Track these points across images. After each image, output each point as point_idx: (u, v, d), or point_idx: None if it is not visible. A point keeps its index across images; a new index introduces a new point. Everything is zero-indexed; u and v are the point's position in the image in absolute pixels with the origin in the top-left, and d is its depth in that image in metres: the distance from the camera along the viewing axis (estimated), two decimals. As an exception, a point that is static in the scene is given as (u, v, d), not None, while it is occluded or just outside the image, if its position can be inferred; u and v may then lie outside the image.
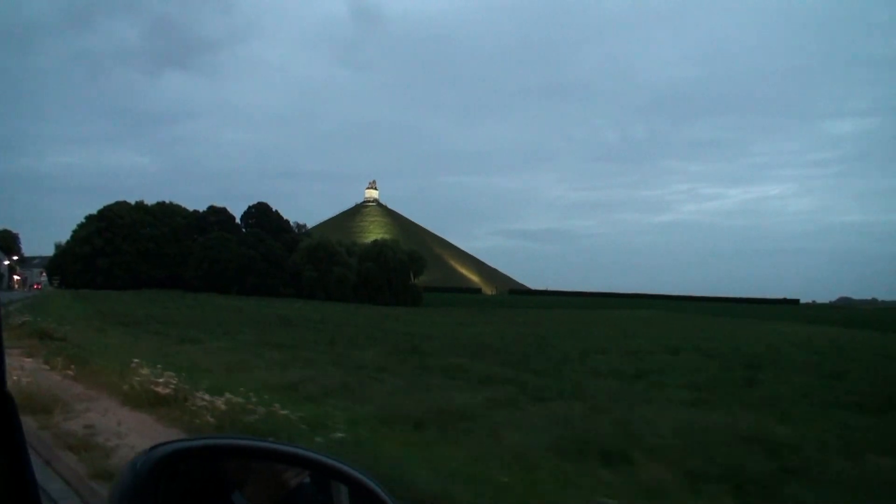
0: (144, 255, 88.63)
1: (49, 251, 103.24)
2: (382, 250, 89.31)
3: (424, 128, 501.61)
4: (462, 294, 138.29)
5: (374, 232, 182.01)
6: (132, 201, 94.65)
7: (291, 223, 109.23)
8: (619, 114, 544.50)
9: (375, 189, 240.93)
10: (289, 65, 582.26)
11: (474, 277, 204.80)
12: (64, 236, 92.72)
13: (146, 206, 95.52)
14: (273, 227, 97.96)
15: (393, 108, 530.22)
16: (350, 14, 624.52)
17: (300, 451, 1.61)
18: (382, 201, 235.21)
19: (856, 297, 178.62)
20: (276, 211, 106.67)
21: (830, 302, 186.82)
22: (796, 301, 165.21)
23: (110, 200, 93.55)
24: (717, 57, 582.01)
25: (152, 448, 1.41)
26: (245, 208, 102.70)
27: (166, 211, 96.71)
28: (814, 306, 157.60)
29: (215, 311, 40.54)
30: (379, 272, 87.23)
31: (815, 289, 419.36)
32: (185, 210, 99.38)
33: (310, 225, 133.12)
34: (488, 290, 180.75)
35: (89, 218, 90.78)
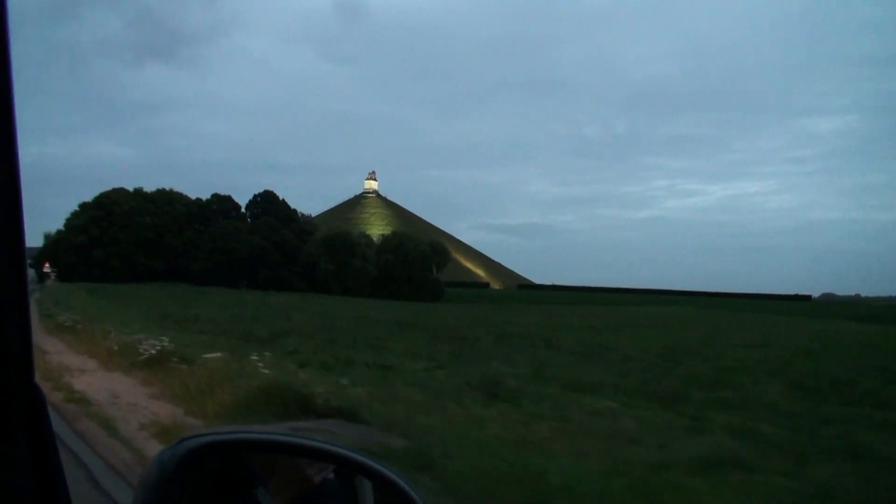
0: (144, 245, 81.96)
1: (32, 242, 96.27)
2: (403, 241, 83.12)
3: (407, 121, 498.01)
4: (473, 289, 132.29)
5: (375, 224, 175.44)
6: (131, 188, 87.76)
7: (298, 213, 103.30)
8: (600, 109, 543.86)
9: (375, 180, 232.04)
10: (272, 58, 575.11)
11: (479, 272, 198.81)
12: (44, 227, 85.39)
13: (145, 193, 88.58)
14: (280, 216, 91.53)
15: (375, 101, 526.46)
16: (334, 7, 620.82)
17: (325, 446, 1.56)
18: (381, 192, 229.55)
19: (839, 292, 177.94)
20: (283, 199, 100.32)
21: (814, 298, 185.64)
22: (808, 297, 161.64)
23: (90, 191, 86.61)
24: (698, 53, 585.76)
25: (179, 441, 1.39)
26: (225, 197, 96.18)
27: (166, 198, 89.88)
28: (828, 302, 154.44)
29: (283, 311, 34.45)
30: (399, 265, 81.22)
31: (797, 285, 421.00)
32: (186, 198, 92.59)
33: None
34: (495, 285, 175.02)
35: (84, 205, 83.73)
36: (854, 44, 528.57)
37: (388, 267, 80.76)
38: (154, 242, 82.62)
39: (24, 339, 1.14)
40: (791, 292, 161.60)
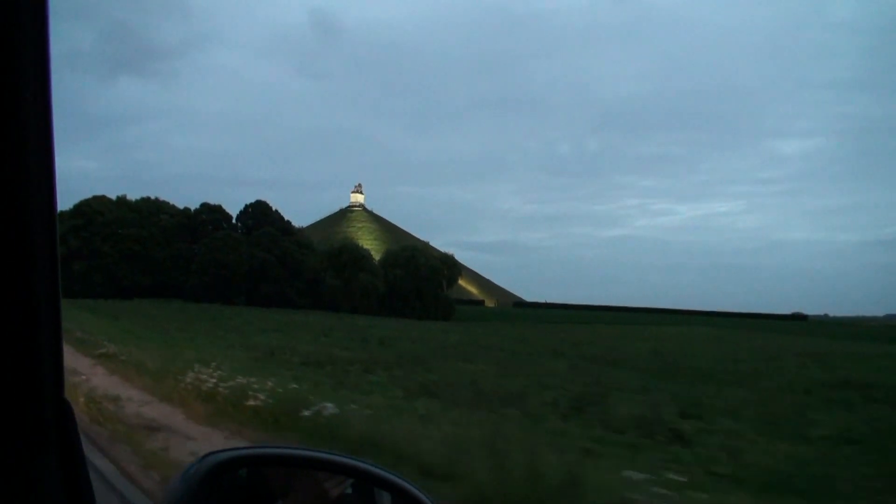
0: (128, 258, 74.91)
1: None
2: (414, 255, 77.20)
3: (381, 137, 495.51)
4: (470, 306, 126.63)
5: (363, 239, 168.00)
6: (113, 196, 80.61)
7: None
8: (572, 127, 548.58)
9: (361, 193, 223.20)
10: (247, 73, 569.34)
11: (472, 288, 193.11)
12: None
13: (129, 201, 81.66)
14: (276, 228, 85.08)
15: (350, 117, 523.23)
16: (310, 23, 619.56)
17: (342, 459, 1.59)
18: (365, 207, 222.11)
19: (807, 311, 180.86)
20: (277, 210, 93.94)
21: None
22: (805, 317, 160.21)
23: (59, 204, 78.81)
24: (668, 74, 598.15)
25: (203, 457, 1.43)
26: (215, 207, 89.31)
27: (152, 208, 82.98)
28: (822, 322, 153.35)
29: (364, 336, 29.64)
30: (409, 280, 75.40)
31: (767, 304, 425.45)
32: (173, 207, 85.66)
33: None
34: (489, 302, 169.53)
35: (61, 214, 75.97)
36: (820, 68, 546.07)
37: (398, 282, 74.90)
38: (140, 255, 75.62)
39: (56, 355, 1.16)
40: (761, 311, 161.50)
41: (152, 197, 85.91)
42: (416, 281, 76.01)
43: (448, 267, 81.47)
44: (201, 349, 15.81)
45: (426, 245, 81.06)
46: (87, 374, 12.08)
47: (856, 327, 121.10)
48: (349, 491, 1.60)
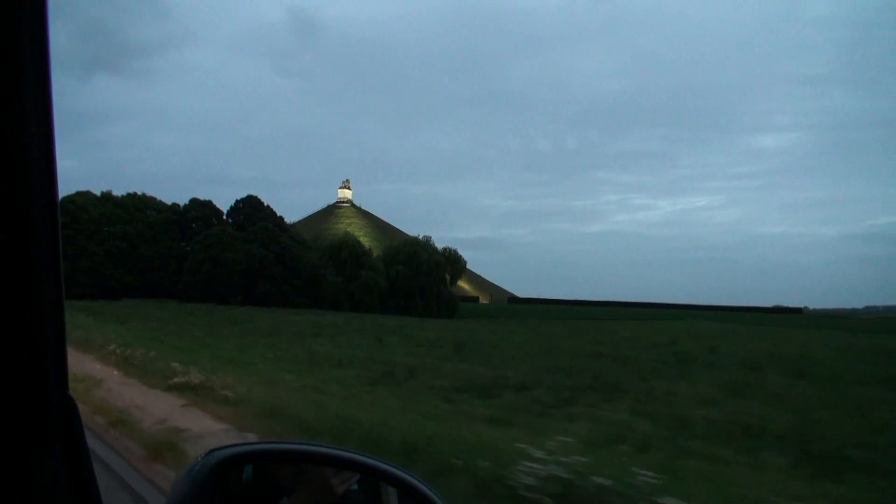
0: (115, 257, 70.92)
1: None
2: (416, 250, 73.97)
3: (359, 135, 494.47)
4: (466, 303, 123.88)
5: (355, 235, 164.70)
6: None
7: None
8: (552, 124, 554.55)
9: (349, 189, 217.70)
10: (225, 71, 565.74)
11: (463, 284, 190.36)
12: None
13: (115, 197, 77.51)
14: (271, 224, 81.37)
15: (330, 115, 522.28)
16: (288, 21, 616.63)
17: (348, 455, 1.57)
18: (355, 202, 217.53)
19: (786, 304, 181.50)
20: (269, 206, 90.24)
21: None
22: (799, 310, 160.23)
23: None
24: (647, 71, 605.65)
25: (208, 453, 1.43)
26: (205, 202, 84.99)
27: (138, 204, 78.93)
28: (820, 315, 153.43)
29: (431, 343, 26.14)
30: (411, 277, 72.28)
31: (747, 297, 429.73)
32: (160, 203, 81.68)
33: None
34: (483, 299, 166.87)
35: (42, 211, 72.07)
36: (797, 63, 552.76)
37: (400, 279, 71.73)
38: (127, 254, 71.66)
39: (60, 352, 1.17)
40: (742, 304, 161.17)
41: (138, 193, 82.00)
42: (418, 277, 72.97)
43: (451, 262, 78.53)
44: (286, 368, 12.66)
45: (427, 240, 77.88)
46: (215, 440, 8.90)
47: (850, 320, 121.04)
48: (355, 487, 1.58)
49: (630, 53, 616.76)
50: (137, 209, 77.65)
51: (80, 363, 12.68)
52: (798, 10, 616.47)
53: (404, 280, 72.19)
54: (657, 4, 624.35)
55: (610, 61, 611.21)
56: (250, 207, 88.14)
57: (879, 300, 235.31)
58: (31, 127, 1.02)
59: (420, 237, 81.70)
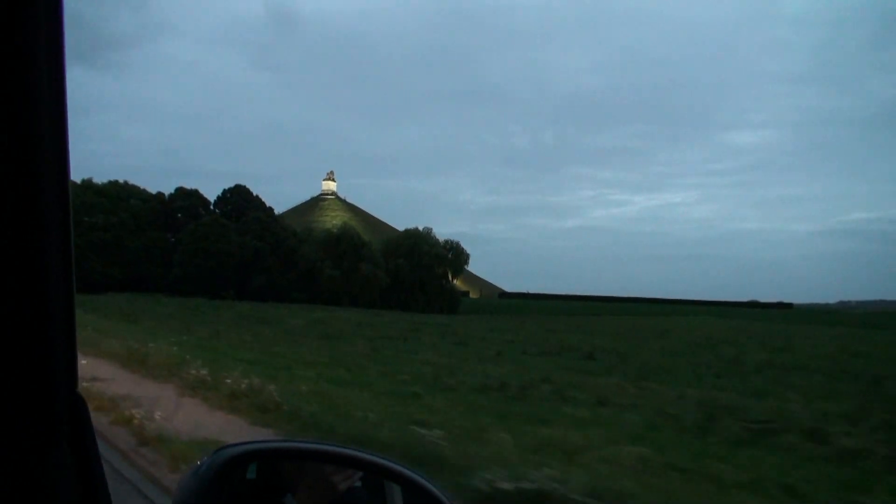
0: (97, 248, 66.82)
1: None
2: (416, 243, 70.88)
3: (338, 129, 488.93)
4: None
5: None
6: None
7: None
8: (529, 119, 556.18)
9: (333, 181, 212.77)
10: (202, 65, 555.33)
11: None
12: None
13: (96, 185, 73.31)
14: (265, 215, 77.55)
15: (308, 109, 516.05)
16: (266, 15, 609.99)
17: (352, 452, 1.59)
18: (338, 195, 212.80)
19: (763, 299, 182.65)
20: (258, 196, 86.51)
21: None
22: (790, 305, 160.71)
23: None
24: (624, 68, 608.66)
25: (215, 452, 1.45)
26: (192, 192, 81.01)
27: (122, 192, 74.76)
28: (811, 309, 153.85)
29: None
30: (412, 271, 69.26)
31: (722, 292, 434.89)
32: (144, 192, 77.59)
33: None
34: (473, 294, 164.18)
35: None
36: (773, 61, 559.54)
37: (400, 273, 68.68)
38: (110, 245, 67.64)
39: (69, 349, 1.16)
40: (718, 299, 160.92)
41: (121, 181, 77.78)
42: (419, 271, 70.00)
43: (454, 255, 75.63)
44: (453, 401, 9.51)
45: (429, 232, 74.81)
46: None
47: (842, 314, 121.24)
48: (359, 484, 1.59)
49: (608, 50, 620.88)
50: (120, 198, 73.55)
51: (193, 415, 8.27)
52: (775, 9, 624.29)
53: (405, 274, 69.17)
54: (636, 1, 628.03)
55: (588, 57, 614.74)
56: (239, 197, 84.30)
57: (852, 295, 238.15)
58: (44, 122, 0.99)
59: (421, 229, 78.50)
